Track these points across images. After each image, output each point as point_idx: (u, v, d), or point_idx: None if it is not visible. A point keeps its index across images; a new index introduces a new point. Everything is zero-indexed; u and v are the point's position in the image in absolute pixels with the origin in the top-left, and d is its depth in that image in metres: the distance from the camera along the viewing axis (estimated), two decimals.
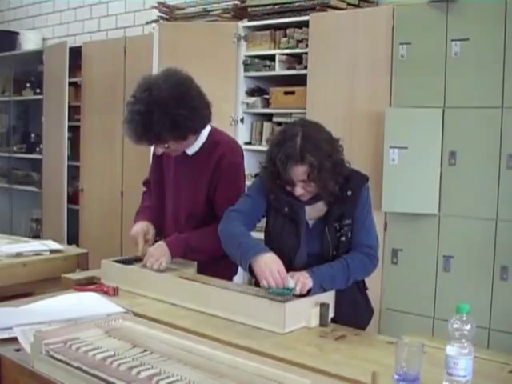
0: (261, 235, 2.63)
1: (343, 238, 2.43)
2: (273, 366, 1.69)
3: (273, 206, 2.52)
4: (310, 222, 2.48)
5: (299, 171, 2.30)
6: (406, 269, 3.97)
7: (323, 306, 2.24)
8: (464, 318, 1.62)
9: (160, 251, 2.71)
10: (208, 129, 2.84)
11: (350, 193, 2.41)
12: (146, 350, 1.81)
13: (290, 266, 2.33)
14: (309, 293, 2.26)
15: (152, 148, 2.80)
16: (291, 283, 2.23)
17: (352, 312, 2.43)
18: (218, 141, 2.85)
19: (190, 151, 2.82)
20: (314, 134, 2.34)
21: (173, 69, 2.73)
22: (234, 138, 3.13)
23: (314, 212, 2.47)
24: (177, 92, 2.61)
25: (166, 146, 2.70)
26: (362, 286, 2.58)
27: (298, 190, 2.36)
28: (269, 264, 2.24)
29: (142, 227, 2.88)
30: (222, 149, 2.80)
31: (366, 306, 2.63)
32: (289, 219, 2.48)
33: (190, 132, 2.69)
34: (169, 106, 2.56)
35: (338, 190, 2.38)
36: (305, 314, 2.21)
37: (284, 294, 2.22)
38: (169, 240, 2.76)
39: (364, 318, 2.59)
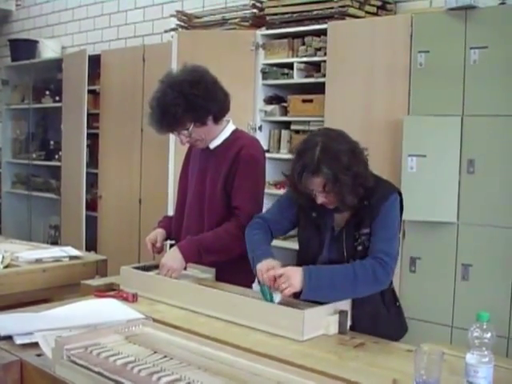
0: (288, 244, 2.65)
1: (360, 247, 2.39)
2: (293, 373, 1.70)
3: (302, 210, 2.53)
4: (337, 229, 2.47)
5: (315, 182, 2.31)
6: (424, 277, 3.96)
7: (342, 314, 2.24)
8: (484, 327, 1.61)
9: (171, 260, 2.73)
10: (232, 127, 2.93)
11: (366, 202, 2.37)
12: (166, 356, 1.82)
13: None
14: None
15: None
16: (277, 297, 2.31)
17: (371, 325, 2.35)
18: (240, 136, 2.93)
19: (212, 145, 2.89)
20: (334, 145, 2.32)
21: (190, 64, 2.85)
22: (256, 138, 3.20)
23: (342, 219, 2.46)
24: (190, 76, 2.74)
25: (188, 131, 2.75)
26: (388, 299, 2.48)
27: (320, 199, 2.37)
28: (264, 264, 2.36)
29: (150, 237, 3.00)
30: (243, 142, 2.87)
31: (389, 319, 2.49)
32: (315, 225, 2.49)
33: (206, 113, 2.75)
34: (182, 87, 2.68)
35: (359, 199, 2.36)
36: (323, 321, 2.21)
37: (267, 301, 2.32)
38: (181, 244, 2.79)
39: (388, 332, 2.37)
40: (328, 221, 2.47)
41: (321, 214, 2.47)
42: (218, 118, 2.82)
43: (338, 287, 2.25)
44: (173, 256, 2.74)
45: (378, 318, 2.44)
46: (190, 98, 2.67)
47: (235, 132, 2.93)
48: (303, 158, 2.31)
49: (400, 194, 2.46)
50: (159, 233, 3.01)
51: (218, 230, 2.79)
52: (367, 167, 2.41)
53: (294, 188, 2.42)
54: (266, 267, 2.35)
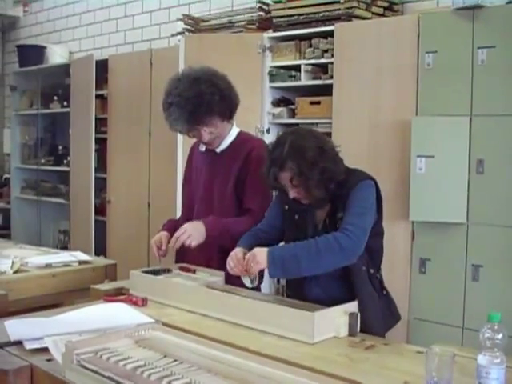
0: None
1: None
2: (303, 376, 1.69)
3: (285, 214, 2.63)
4: (320, 225, 2.53)
5: (282, 177, 2.42)
6: (434, 278, 3.94)
7: (352, 316, 2.23)
8: (496, 327, 1.60)
9: (193, 229, 2.75)
10: (237, 130, 2.96)
11: (338, 192, 2.44)
12: (176, 360, 1.81)
13: None
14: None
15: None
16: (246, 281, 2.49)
17: (373, 309, 2.40)
18: (248, 139, 2.97)
19: (219, 149, 2.91)
20: (302, 141, 2.41)
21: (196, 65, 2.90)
22: (263, 139, 3.24)
23: (323, 215, 2.53)
24: (209, 70, 2.81)
25: (214, 125, 2.79)
26: (376, 286, 2.50)
27: (291, 193, 2.47)
28: (232, 252, 2.51)
29: (155, 240, 2.99)
30: (252, 143, 2.92)
31: (380, 306, 2.49)
32: (298, 226, 2.56)
33: (231, 106, 2.82)
34: (211, 78, 2.74)
35: (333, 191, 2.44)
36: (334, 323, 2.21)
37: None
38: (205, 219, 2.80)
39: (378, 319, 2.44)
40: (309, 219, 2.54)
41: (302, 214, 2.55)
42: (233, 114, 2.87)
43: (300, 258, 2.31)
44: (196, 226, 2.77)
45: (375, 304, 2.46)
46: (221, 88, 2.74)
47: (240, 134, 2.96)
48: (272, 154, 2.43)
49: (375, 182, 2.50)
50: (164, 235, 3.00)
51: (239, 218, 2.83)
52: (337, 163, 2.46)
53: (271, 186, 2.55)
54: (234, 255, 2.48)
